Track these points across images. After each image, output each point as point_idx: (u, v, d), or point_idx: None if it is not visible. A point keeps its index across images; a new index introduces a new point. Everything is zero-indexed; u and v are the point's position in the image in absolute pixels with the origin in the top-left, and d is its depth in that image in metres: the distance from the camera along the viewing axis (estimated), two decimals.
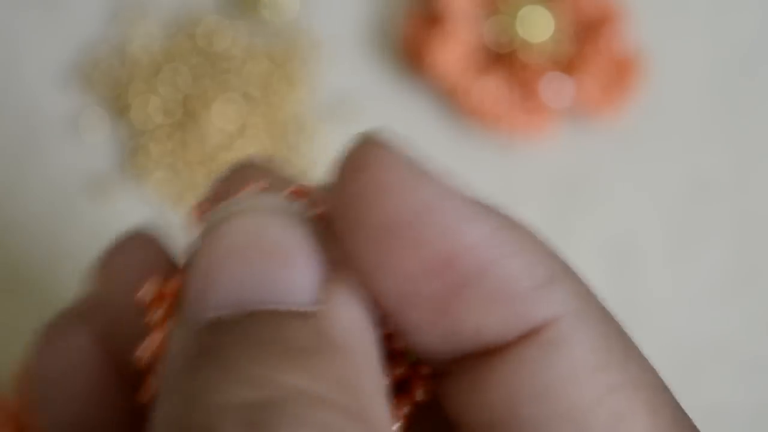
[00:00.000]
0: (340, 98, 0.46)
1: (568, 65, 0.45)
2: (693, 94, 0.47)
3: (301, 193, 0.21)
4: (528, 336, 0.20)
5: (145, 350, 0.21)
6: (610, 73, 0.45)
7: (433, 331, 0.20)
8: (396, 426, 0.21)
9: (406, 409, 0.21)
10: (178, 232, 0.45)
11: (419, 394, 0.21)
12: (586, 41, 0.46)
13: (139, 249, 0.24)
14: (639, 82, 0.46)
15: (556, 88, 0.45)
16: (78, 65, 0.45)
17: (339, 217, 0.20)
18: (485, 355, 0.20)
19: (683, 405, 0.26)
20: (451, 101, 0.46)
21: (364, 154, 0.20)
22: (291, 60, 0.46)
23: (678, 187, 0.46)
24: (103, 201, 0.44)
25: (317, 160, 0.45)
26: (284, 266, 0.19)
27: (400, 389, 0.22)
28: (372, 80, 0.46)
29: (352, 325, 0.19)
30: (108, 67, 0.45)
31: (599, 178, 0.46)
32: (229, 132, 0.45)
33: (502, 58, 0.46)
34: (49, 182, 0.44)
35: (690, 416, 0.22)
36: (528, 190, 0.45)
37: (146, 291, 0.21)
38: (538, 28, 0.46)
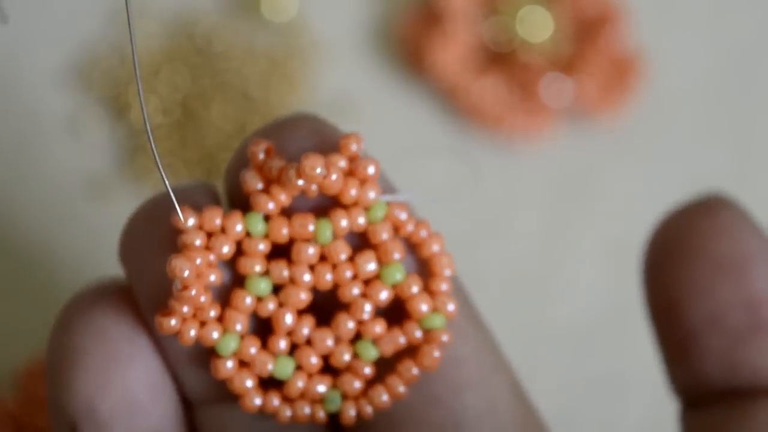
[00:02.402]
0: (340, 98, 0.46)
1: (568, 65, 0.46)
2: (692, 95, 0.47)
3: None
4: None
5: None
6: (610, 73, 0.45)
7: (720, 359, 0.23)
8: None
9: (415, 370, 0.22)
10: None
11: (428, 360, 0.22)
12: (586, 41, 0.46)
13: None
14: (638, 82, 0.46)
15: (555, 88, 0.45)
16: (78, 65, 0.45)
17: (677, 246, 0.24)
18: (746, 396, 0.23)
19: None
20: (451, 101, 0.46)
21: (705, 205, 0.25)
22: (291, 60, 0.46)
23: (677, 187, 0.46)
24: (102, 201, 0.44)
25: None
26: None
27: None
28: (372, 80, 0.46)
29: None
30: (108, 66, 0.45)
31: (599, 178, 0.46)
32: (229, 132, 0.45)
33: (502, 58, 0.46)
34: (48, 182, 0.44)
35: None
36: (528, 190, 0.45)
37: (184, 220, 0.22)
38: (537, 28, 0.46)
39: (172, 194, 0.22)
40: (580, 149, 0.46)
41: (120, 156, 0.45)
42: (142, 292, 0.23)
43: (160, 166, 0.22)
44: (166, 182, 0.22)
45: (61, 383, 0.22)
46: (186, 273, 0.21)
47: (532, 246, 0.45)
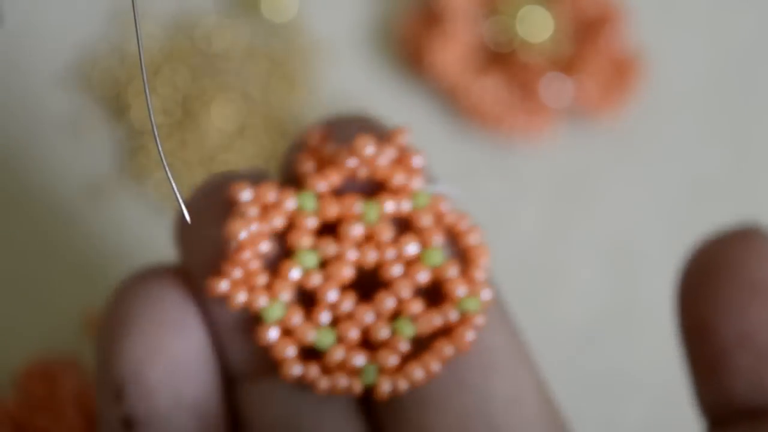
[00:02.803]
0: (340, 98, 0.46)
1: (568, 65, 0.45)
2: (692, 95, 0.47)
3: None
4: None
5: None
6: (610, 73, 0.45)
7: (749, 377, 0.24)
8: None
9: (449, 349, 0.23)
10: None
11: (469, 335, 0.23)
12: (586, 41, 0.46)
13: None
14: (638, 82, 0.46)
15: (555, 88, 0.45)
16: (78, 65, 0.45)
17: (713, 271, 0.25)
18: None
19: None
20: (451, 101, 0.46)
21: (741, 233, 0.25)
22: (291, 60, 0.46)
23: (677, 187, 0.46)
24: (103, 201, 0.44)
25: None
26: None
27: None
28: (372, 80, 0.46)
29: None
30: (108, 67, 0.45)
31: (599, 178, 0.46)
32: (229, 132, 0.45)
33: (502, 58, 0.46)
34: (49, 182, 0.44)
35: None
36: (528, 190, 0.45)
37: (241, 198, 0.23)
38: (537, 28, 0.46)
39: (176, 190, 0.23)
40: (580, 149, 0.46)
41: (120, 156, 0.45)
42: (195, 264, 0.24)
43: (166, 165, 0.23)
44: (171, 180, 0.23)
45: (112, 347, 0.23)
46: (242, 235, 0.22)
47: (532, 246, 0.45)
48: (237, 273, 0.23)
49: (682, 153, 0.46)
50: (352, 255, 0.23)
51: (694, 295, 0.26)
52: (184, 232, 0.24)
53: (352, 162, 0.23)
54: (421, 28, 0.46)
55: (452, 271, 0.23)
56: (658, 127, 0.46)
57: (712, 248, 0.26)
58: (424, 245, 0.24)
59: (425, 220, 0.24)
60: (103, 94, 0.45)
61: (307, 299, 0.24)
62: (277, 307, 0.23)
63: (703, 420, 0.26)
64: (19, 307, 0.42)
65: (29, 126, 0.45)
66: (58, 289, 0.43)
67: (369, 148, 0.23)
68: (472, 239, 0.24)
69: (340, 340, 0.23)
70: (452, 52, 0.45)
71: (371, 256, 0.23)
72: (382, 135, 0.24)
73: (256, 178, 0.24)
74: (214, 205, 0.24)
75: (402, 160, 0.24)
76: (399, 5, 0.47)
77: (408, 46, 0.46)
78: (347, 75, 0.46)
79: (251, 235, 0.23)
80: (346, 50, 0.46)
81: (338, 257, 0.23)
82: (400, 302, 0.23)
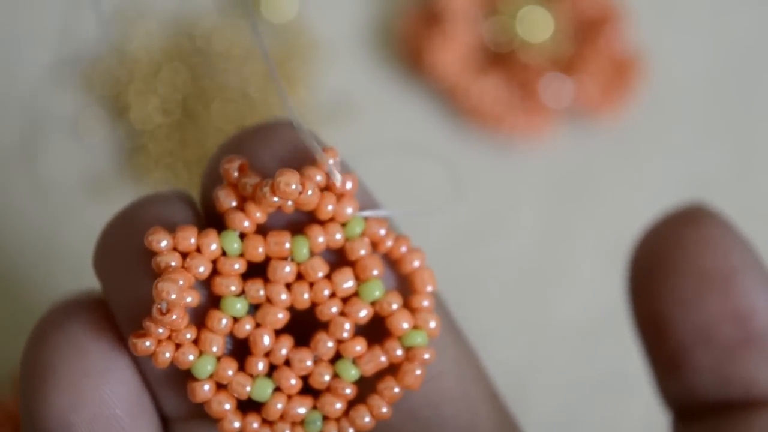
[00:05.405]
0: (340, 98, 0.46)
1: (568, 65, 0.46)
2: (692, 95, 0.47)
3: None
4: None
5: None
6: (610, 73, 0.45)
7: (712, 373, 0.24)
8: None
9: (396, 390, 0.22)
10: None
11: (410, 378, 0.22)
12: (586, 41, 0.46)
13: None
14: (638, 82, 0.46)
15: (555, 88, 0.45)
16: (78, 65, 0.45)
17: (662, 260, 0.24)
18: (739, 408, 0.24)
19: None
20: (451, 101, 0.46)
21: (688, 217, 0.25)
22: (291, 60, 0.46)
23: (677, 187, 0.46)
24: (102, 201, 0.44)
25: None
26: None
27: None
28: (372, 80, 0.46)
29: None
30: (108, 67, 0.45)
31: (599, 178, 0.46)
32: (229, 132, 0.45)
33: (502, 58, 0.46)
34: (48, 182, 0.44)
35: None
36: (528, 190, 0.45)
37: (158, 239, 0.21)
38: (537, 28, 0.46)
39: None
40: (580, 149, 0.46)
41: (120, 156, 0.45)
42: (118, 308, 0.22)
43: None
44: None
45: (35, 398, 0.22)
46: (173, 296, 0.21)
47: (532, 246, 0.45)
48: (161, 330, 0.21)
49: (682, 153, 0.46)
50: (283, 297, 0.22)
51: (645, 285, 0.25)
52: (103, 272, 0.23)
53: (276, 198, 0.21)
54: (421, 28, 0.46)
55: (394, 303, 0.22)
56: (658, 127, 0.46)
57: (659, 234, 0.25)
58: (362, 278, 0.22)
59: (360, 250, 0.22)
60: (103, 94, 0.45)
61: (241, 347, 0.22)
62: (207, 361, 0.22)
63: (668, 412, 0.25)
64: (18, 308, 0.42)
65: (30, 126, 0.45)
66: (57, 288, 0.43)
67: (293, 186, 0.21)
68: (413, 264, 0.22)
69: (279, 389, 0.22)
70: (452, 52, 0.45)
71: (304, 297, 0.22)
72: (308, 153, 0.22)
73: (175, 206, 0.22)
74: (131, 244, 0.22)
75: (331, 185, 0.22)
76: (399, 5, 0.47)
77: (408, 46, 0.46)
78: (347, 75, 0.46)
79: (180, 289, 0.21)
80: (346, 50, 0.46)
81: (269, 300, 0.22)
82: (340, 343, 0.22)
